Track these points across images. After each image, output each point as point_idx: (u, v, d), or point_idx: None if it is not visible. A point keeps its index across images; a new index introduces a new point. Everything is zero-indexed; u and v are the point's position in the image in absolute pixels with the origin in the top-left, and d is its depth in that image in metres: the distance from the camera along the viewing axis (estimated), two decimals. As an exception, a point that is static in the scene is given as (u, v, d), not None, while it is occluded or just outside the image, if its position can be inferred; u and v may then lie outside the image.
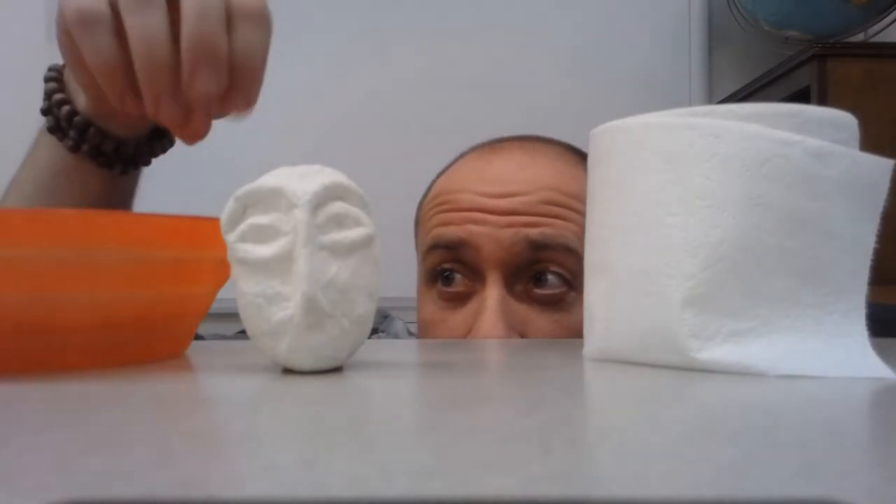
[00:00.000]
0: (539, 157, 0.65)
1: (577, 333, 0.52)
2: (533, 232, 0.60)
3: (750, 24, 1.64)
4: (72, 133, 0.48)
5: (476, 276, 0.62)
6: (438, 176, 0.72)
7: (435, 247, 0.63)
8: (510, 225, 0.61)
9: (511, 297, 0.61)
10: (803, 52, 1.40)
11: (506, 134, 0.73)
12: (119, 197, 0.56)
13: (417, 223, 0.72)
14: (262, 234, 0.32)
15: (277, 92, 1.86)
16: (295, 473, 0.17)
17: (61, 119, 0.49)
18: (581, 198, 0.62)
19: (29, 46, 1.81)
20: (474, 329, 0.60)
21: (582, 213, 0.61)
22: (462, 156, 0.72)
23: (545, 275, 0.61)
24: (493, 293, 0.60)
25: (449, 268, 0.63)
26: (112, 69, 0.41)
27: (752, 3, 1.58)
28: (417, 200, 0.74)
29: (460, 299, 0.63)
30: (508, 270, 0.61)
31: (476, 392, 0.28)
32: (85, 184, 0.52)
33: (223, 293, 0.41)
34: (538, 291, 0.61)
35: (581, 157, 0.68)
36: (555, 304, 0.62)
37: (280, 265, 0.32)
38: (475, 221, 0.61)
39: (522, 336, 0.61)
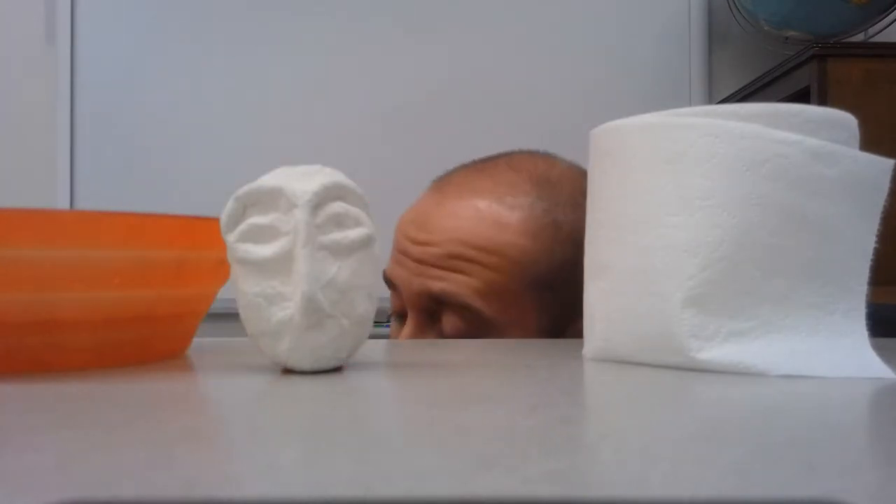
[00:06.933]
0: (469, 205, 0.64)
1: None
2: (435, 287, 0.63)
3: (750, 24, 1.64)
4: None
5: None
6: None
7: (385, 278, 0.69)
8: (419, 274, 0.64)
9: (430, 332, 0.65)
10: (803, 52, 1.40)
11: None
12: None
13: None
14: (262, 234, 0.32)
15: (278, 92, 1.86)
16: (295, 473, 0.17)
17: None
18: (497, 251, 0.62)
19: (29, 46, 1.81)
20: None
21: (490, 267, 0.62)
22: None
23: (449, 333, 0.64)
24: (406, 332, 0.65)
25: (398, 311, 0.68)
26: None
27: (752, 3, 1.58)
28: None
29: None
30: (422, 312, 0.65)
31: (476, 392, 0.28)
32: None
33: (223, 293, 0.41)
34: (444, 334, 0.65)
35: (548, 190, 0.66)
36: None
37: (280, 265, 0.32)
38: (399, 263, 0.66)
39: None
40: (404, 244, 0.65)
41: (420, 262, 0.64)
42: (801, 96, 1.42)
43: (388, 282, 0.68)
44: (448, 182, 0.69)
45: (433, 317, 0.65)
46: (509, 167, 0.69)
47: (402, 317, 0.68)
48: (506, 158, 0.70)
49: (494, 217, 0.64)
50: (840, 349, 0.34)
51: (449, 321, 0.63)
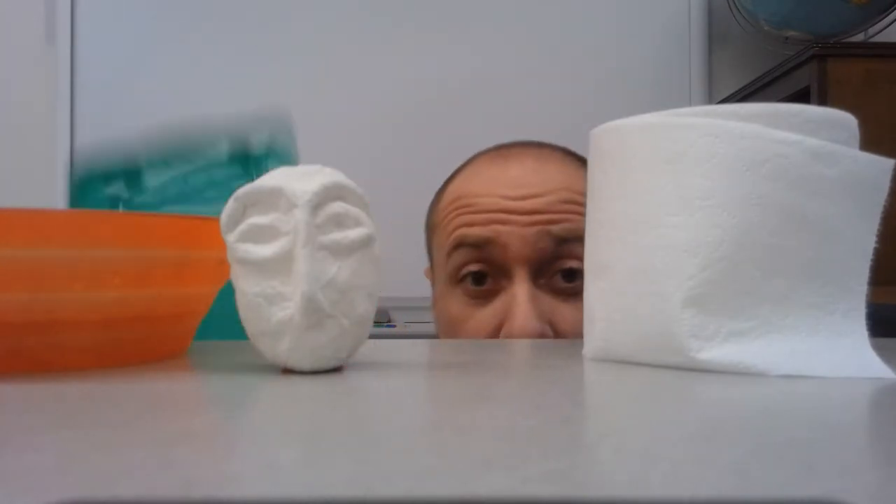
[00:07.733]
0: (549, 162, 0.69)
1: None
2: (556, 228, 0.64)
3: (750, 24, 1.64)
4: None
5: (502, 272, 0.66)
6: (449, 180, 0.74)
7: (460, 245, 0.67)
8: (533, 223, 0.65)
9: (538, 291, 0.65)
10: (803, 52, 1.40)
11: (503, 135, 0.75)
12: None
13: (432, 228, 0.74)
14: (262, 234, 0.32)
15: (277, 92, 1.86)
16: (295, 473, 0.17)
17: None
18: None
19: (29, 46, 1.81)
20: (507, 323, 0.64)
21: None
22: (472, 161, 0.74)
23: (569, 267, 0.65)
24: (522, 288, 0.64)
25: (478, 269, 0.66)
26: None
27: (752, 3, 1.58)
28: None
29: (487, 296, 0.67)
30: (534, 266, 0.65)
31: (476, 392, 0.28)
32: None
33: (223, 293, 0.41)
34: (563, 284, 0.65)
35: (581, 161, 0.72)
36: (579, 293, 0.64)
37: (280, 265, 0.32)
38: (500, 222, 0.65)
39: (552, 325, 0.65)
40: (503, 204, 0.66)
41: (532, 212, 0.65)
42: (801, 96, 1.42)
43: (476, 243, 0.65)
44: (509, 154, 0.71)
45: (542, 269, 0.65)
46: (540, 144, 0.73)
47: (479, 278, 0.66)
48: (529, 142, 0.74)
49: (578, 171, 0.69)
50: (840, 349, 0.34)
51: (568, 263, 0.64)
